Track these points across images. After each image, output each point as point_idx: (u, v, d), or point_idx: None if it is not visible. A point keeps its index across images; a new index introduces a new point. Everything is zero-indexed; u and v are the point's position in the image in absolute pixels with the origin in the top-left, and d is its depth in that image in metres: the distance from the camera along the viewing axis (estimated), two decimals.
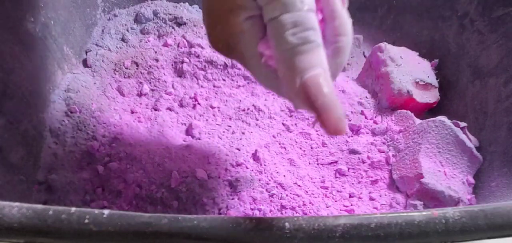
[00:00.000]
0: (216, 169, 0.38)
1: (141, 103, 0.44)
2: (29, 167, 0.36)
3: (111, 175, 0.37)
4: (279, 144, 0.42)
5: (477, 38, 0.46)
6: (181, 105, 0.44)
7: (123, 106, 0.43)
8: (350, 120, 0.44)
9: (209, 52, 0.47)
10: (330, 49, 0.24)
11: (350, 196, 0.38)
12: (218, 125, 0.43)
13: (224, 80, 0.46)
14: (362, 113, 0.44)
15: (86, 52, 0.48)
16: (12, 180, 0.34)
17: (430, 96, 0.45)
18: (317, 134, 0.43)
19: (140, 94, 0.45)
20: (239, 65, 0.47)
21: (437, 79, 0.46)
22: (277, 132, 0.43)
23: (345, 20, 0.25)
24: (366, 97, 0.46)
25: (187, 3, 0.54)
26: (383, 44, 0.46)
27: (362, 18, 0.57)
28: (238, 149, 0.40)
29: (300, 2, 0.22)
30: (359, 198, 0.38)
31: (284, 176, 0.38)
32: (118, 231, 0.20)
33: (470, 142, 0.40)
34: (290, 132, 0.43)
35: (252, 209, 0.36)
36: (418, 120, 0.42)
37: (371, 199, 0.38)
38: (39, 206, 0.21)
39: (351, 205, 0.38)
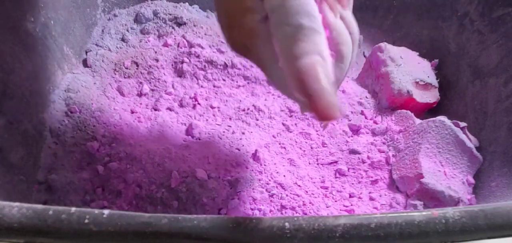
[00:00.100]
0: (216, 169, 0.38)
1: (141, 103, 0.44)
2: (29, 167, 0.36)
3: (111, 175, 0.37)
4: (279, 144, 0.42)
5: (477, 38, 0.46)
6: (181, 105, 0.44)
7: (123, 106, 0.43)
8: (350, 121, 0.44)
9: (209, 52, 0.47)
10: (332, 56, 0.24)
11: (350, 196, 0.38)
12: (218, 124, 0.43)
13: (224, 80, 0.46)
14: (362, 113, 0.45)
15: (86, 52, 0.48)
16: (12, 180, 0.34)
17: (430, 96, 0.45)
18: (317, 134, 0.43)
19: (140, 94, 0.45)
20: (239, 65, 0.47)
21: (437, 79, 0.46)
22: (277, 132, 0.43)
23: (341, 31, 0.24)
24: (366, 97, 0.46)
25: (187, 3, 0.54)
26: (383, 44, 0.46)
27: (362, 18, 0.57)
28: (238, 149, 0.40)
29: None
30: (359, 198, 0.38)
31: (284, 176, 0.38)
32: (118, 231, 0.20)
33: (470, 142, 0.40)
34: (290, 132, 0.43)
35: (252, 209, 0.36)
36: (418, 120, 0.42)
37: (371, 199, 0.38)
38: (39, 206, 0.21)
39: (351, 205, 0.38)
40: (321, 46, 0.22)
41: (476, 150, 0.39)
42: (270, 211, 0.36)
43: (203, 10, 0.55)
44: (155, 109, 0.44)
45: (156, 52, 0.47)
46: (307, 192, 0.38)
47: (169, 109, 0.44)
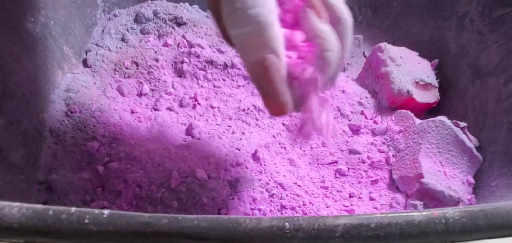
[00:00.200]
0: (216, 169, 0.38)
1: (141, 103, 0.44)
2: (29, 167, 0.36)
3: (111, 175, 0.37)
4: (279, 144, 0.42)
5: (477, 38, 0.46)
6: (181, 105, 0.44)
7: (123, 106, 0.43)
8: (350, 121, 0.44)
9: (209, 52, 0.47)
10: (318, 64, 0.24)
11: (350, 196, 0.38)
12: (218, 124, 0.43)
13: (224, 80, 0.46)
14: (362, 113, 0.45)
15: (86, 52, 0.48)
16: (12, 180, 0.34)
17: (430, 96, 0.45)
18: (317, 134, 0.43)
19: (140, 94, 0.45)
20: (239, 65, 0.47)
21: (437, 79, 0.46)
22: (277, 132, 0.43)
23: (327, 37, 0.24)
24: (366, 97, 0.46)
25: (187, 3, 0.54)
26: (383, 44, 0.46)
27: (362, 18, 0.57)
28: (238, 149, 0.40)
29: None
30: (359, 198, 0.38)
31: (284, 176, 0.38)
32: (118, 231, 0.20)
33: (470, 142, 0.40)
34: (290, 132, 0.43)
35: (252, 209, 0.36)
36: (418, 120, 0.42)
37: (371, 199, 0.38)
38: (39, 206, 0.21)
39: (351, 205, 0.38)
40: (274, 41, 0.22)
41: (476, 150, 0.39)
42: (270, 211, 0.36)
43: (203, 10, 0.55)
44: (155, 109, 0.44)
45: (156, 52, 0.47)
46: (307, 192, 0.38)
47: (169, 109, 0.44)
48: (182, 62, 0.46)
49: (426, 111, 0.46)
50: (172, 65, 0.47)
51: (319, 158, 0.41)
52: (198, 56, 0.47)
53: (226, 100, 0.45)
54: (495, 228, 0.21)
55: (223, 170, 0.38)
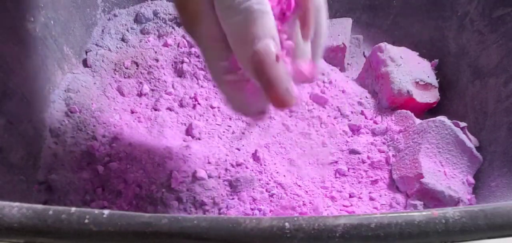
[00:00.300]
0: (216, 169, 0.38)
1: (141, 103, 0.44)
2: (29, 167, 0.36)
3: (111, 175, 0.37)
4: (279, 144, 0.42)
5: (477, 38, 0.45)
6: (181, 105, 0.44)
7: (123, 106, 0.43)
8: (350, 121, 0.44)
9: None
10: (304, 27, 0.24)
11: (350, 196, 0.38)
12: (218, 124, 0.43)
13: None
14: (362, 113, 0.44)
15: (86, 52, 0.48)
16: (12, 180, 0.34)
17: (430, 96, 0.45)
18: (317, 134, 0.43)
19: (140, 94, 0.45)
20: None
21: (437, 79, 0.46)
22: (277, 132, 0.43)
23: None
24: (366, 97, 0.46)
25: None
26: (383, 44, 0.46)
27: (362, 18, 0.57)
28: (238, 149, 0.40)
29: None
30: (359, 198, 0.38)
31: (284, 176, 0.38)
32: (118, 231, 0.20)
33: (470, 142, 0.40)
34: (290, 132, 0.43)
35: (252, 209, 0.36)
36: (418, 120, 0.42)
37: (371, 199, 0.38)
38: (39, 206, 0.21)
39: (351, 205, 0.38)
40: (272, 28, 0.22)
41: (476, 150, 0.39)
42: (270, 211, 0.36)
43: None
44: (155, 109, 0.44)
45: (156, 52, 0.47)
46: (307, 192, 0.38)
47: (169, 109, 0.44)
48: (182, 62, 0.46)
49: (426, 111, 0.46)
50: (172, 65, 0.47)
51: (319, 158, 0.41)
52: (198, 56, 0.47)
53: None
54: (495, 228, 0.21)
55: (223, 170, 0.38)
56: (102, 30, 0.51)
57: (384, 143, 0.42)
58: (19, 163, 0.35)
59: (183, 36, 0.49)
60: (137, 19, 0.51)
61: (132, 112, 0.43)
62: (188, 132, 0.42)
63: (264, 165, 0.38)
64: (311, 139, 0.42)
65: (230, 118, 0.43)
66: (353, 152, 0.41)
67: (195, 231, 0.21)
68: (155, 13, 0.51)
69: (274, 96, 0.21)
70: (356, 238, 0.21)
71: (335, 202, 0.38)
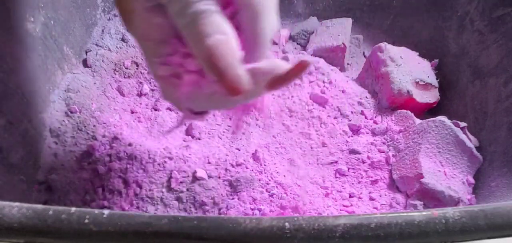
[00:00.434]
0: (216, 169, 0.38)
1: (141, 103, 0.44)
2: (29, 167, 0.36)
3: (111, 175, 0.37)
4: (279, 144, 0.42)
5: (477, 38, 0.46)
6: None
7: (123, 106, 0.43)
8: (350, 121, 0.44)
9: None
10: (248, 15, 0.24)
11: (350, 196, 0.38)
12: (218, 124, 0.43)
13: None
14: (362, 113, 0.44)
15: (86, 52, 0.48)
16: (12, 180, 0.34)
17: (430, 96, 0.45)
18: (317, 134, 0.43)
19: (140, 94, 0.45)
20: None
21: (437, 79, 0.46)
22: (277, 132, 0.43)
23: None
24: (366, 97, 0.46)
25: None
26: (383, 44, 0.46)
27: (362, 18, 0.57)
28: (238, 149, 0.40)
29: None
30: (359, 198, 0.38)
31: (284, 176, 0.38)
32: (118, 231, 0.20)
33: (470, 142, 0.40)
34: (290, 132, 0.43)
35: (252, 209, 0.36)
36: (418, 120, 0.42)
37: (371, 199, 0.38)
38: (39, 206, 0.21)
39: (351, 205, 0.38)
40: (221, 24, 0.23)
41: (476, 150, 0.39)
42: (270, 211, 0.36)
43: None
44: (155, 109, 0.44)
45: None
46: (307, 192, 0.38)
47: (169, 109, 0.44)
48: None
49: (426, 111, 0.46)
50: None
51: (319, 158, 0.41)
52: None
53: None
54: (495, 228, 0.21)
55: (223, 170, 0.38)
56: (102, 30, 0.51)
57: (384, 143, 0.42)
58: (19, 163, 0.35)
59: None
60: None
61: (132, 112, 0.43)
62: (188, 132, 0.42)
63: (264, 165, 0.38)
64: (311, 139, 0.42)
65: (230, 119, 0.43)
66: (353, 152, 0.41)
67: (195, 231, 0.21)
68: None
69: (226, 84, 0.23)
70: (356, 238, 0.21)
71: (335, 202, 0.38)
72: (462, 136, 0.39)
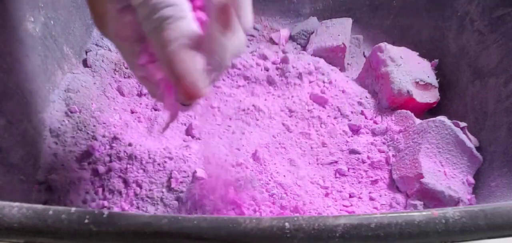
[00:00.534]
0: (216, 169, 0.38)
1: (141, 103, 0.44)
2: (29, 167, 0.36)
3: (111, 175, 0.37)
4: (279, 144, 0.42)
5: (477, 38, 0.46)
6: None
7: (123, 106, 0.43)
8: (350, 121, 0.44)
9: None
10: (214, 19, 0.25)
11: (350, 196, 0.38)
12: (218, 125, 0.43)
13: (224, 80, 0.46)
14: (362, 113, 0.44)
15: (86, 52, 0.48)
16: (12, 180, 0.34)
17: (430, 96, 0.45)
18: (317, 134, 0.43)
19: (140, 94, 0.45)
20: (239, 65, 0.47)
21: (437, 79, 0.46)
22: (277, 132, 0.43)
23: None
24: (366, 97, 0.46)
25: None
26: (383, 44, 0.46)
27: (362, 18, 0.57)
28: (238, 149, 0.40)
29: None
30: (359, 198, 0.38)
31: (284, 176, 0.38)
32: (118, 231, 0.20)
33: (470, 142, 0.40)
34: (290, 132, 0.43)
35: (252, 209, 0.36)
36: (418, 120, 0.42)
37: (371, 199, 0.38)
38: (39, 206, 0.21)
39: (351, 205, 0.38)
40: (186, 30, 0.23)
41: (476, 150, 0.39)
42: (270, 211, 0.36)
43: None
44: (155, 110, 0.44)
45: None
46: (307, 192, 0.38)
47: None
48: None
49: (426, 111, 0.46)
50: None
51: (319, 158, 0.41)
52: None
53: (226, 100, 0.45)
54: (495, 228, 0.21)
55: (223, 170, 0.38)
56: None
57: (384, 143, 0.42)
58: (19, 163, 0.35)
59: None
60: None
61: (132, 112, 0.43)
62: (188, 132, 0.42)
63: (264, 165, 0.38)
64: (311, 139, 0.42)
65: (230, 119, 0.43)
66: (353, 152, 0.41)
67: (195, 231, 0.21)
68: None
69: (181, 90, 0.24)
70: (356, 238, 0.21)
71: (335, 202, 0.38)
72: (462, 136, 0.39)
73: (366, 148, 0.41)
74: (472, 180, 0.39)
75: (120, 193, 0.36)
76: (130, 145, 0.39)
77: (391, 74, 0.44)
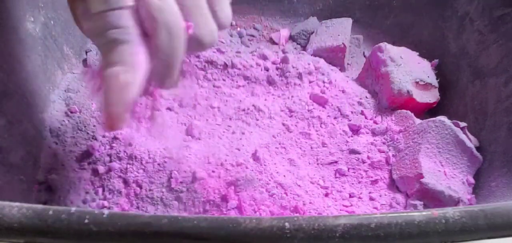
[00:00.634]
0: (216, 169, 0.38)
1: (141, 104, 0.44)
2: (29, 167, 0.36)
3: (111, 175, 0.37)
4: (279, 144, 0.42)
5: (477, 38, 0.45)
6: (181, 105, 0.44)
7: None
8: (350, 121, 0.44)
9: (209, 52, 0.47)
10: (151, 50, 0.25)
11: (350, 196, 0.38)
12: (218, 125, 0.43)
13: (224, 80, 0.46)
14: (362, 113, 0.44)
15: (86, 52, 0.48)
16: (12, 180, 0.34)
17: (430, 96, 0.45)
18: (317, 134, 0.43)
19: (140, 95, 0.45)
20: (239, 65, 0.47)
21: (437, 79, 0.46)
22: (277, 132, 0.43)
23: (157, 14, 0.25)
24: (366, 97, 0.46)
25: None
26: (383, 44, 0.46)
27: (362, 18, 0.57)
28: (238, 149, 0.40)
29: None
30: (359, 198, 0.38)
31: (284, 176, 0.38)
32: (118, 231, 0.20)
33: (470, 142, 0.40)
34: (290, 132, 0.43)
35: (252, 209, 0.36)
36: (418, 120, 0.42)
37: (371, 199, 0.38)
38: (39, 206, 0.21)
39: (351, 205, 0.38)
40: (126, 56, 0.24)
41: (476, 150, 0.39)
42: (270, 211, 0.36)
43: None
44: (155, 110, 0.44)
45: None
46: (307, 192, 0.38)
47: (169, 109, 0.44)
48: (182, 62, 0.46)
49: (426, 111, 0.46)
50: None
51: (319, 158, 0.41)
52: (198, 56, 0.47)
53: (226, 100, 0.45)
54: (495, 228, 0.21)
55: (223, 170, 0.38)
56: None
57: (384, 143, 0.42)
58: (19, 163, 0.35)
59: None
60: None
61: (132, 112, 0.43)
62: (188, 132, 0.42)
63: (264, 165, 0.38)
64: (311, 139, 0.42)
65: (230, 119, 0.43)
66: (353, 152, 0.41)
67: (195, 231, 0.21)
68: None
69: (103, 116, 0.24)
70: (356, 238, 0.21)
71: (335, 202, 0.38)
72: (462, 136, 0.39)
73: (366, 148, 0.41)
74: (472, 180, 0.39)
75: (120, 193, 0.36)
76: (130, 145, 0.39)
77: (391, 74, 0.44)
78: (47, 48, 0.42)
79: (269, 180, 0.37)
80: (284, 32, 0.55)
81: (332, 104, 0.45)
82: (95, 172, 0.37)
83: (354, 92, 0.46)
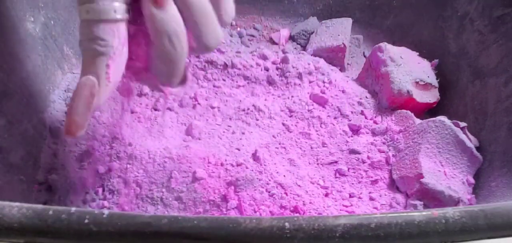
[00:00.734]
0: (216, 169, 0.38)
1: (141, 104, 0.44)
2: (29, 167, 0.36)
3: (111, 175, 0.37)
4: (279, 144, 0.42)
5: (477, 38, 0.45)
6: (181, 105, 0.44)
7: (123, 106, 0.43)
8: (350, 121, 0.44)
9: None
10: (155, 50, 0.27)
11: (350, 196, 0.38)
12: (218, 125, 0.43)
13: (224, 80, 0.46)
14: (362, 113, 0.44)
15: None
16: (12, 180, 0.34)
17: (430, 96, 0.45)
18: (317, 134, 0.43)
19: (140, 94, 0.45)
20: (239, 65, 0.47)
21: (437, 79, 0.46)
22: (277, 132, 0.43)
23: (159, 25, 0.26)
24: (366, 97, 0.46)
25: None
26: (383, 44, 0.46)
27: (362, 18, 0.57)
28: (238, 149, 0.40)
29: (109, 9, 0.25)
30: (359, 198, 0.38)
31: (284, 176, 0.38)
32: (118, 231, 0.20)
33: (470, 142, 0.40)
34: (290, 132, 0.43)
35: (252, 209, 0.36)
36: (418, 120, 0.42)
37: (371, 199, 0.38)
38: (39, 206, 0.21)
39: (351, 205, 0.38)
40: (99, 69, 0.25)
41: (476, 150, 0.39)
42: (270, 211, 0.36)
43: None
44: (155, 109, 0.44)
45: None
46: (307, 192, 0.38)
47: (169, 109, 0.44)
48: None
49: (426, 111, 0.46)
50: None
51: (319, 158, 0.41)
52: (198, 56, 0.47)
53: (226, 100, 0.45)
54: (495, 228, 0.21)
55: (223, 170, 0.38)
56: None
57: (384, 143, 0.42)
58: (19, 163, 0.35)
59: None
60: None
61: (132, 112, 0.43)
62: (188, 132, 0.42)
63: (264, 165, 0.38)
64: (311, 139, 0.42)
65: (230, 119, 0.43)
66: (353, 152, 0.41)
67: (195, 231, 0.21)
68: None
69: (66, 120, 0.25)
70: (356, 238, 0.21)
71: (335, 202, 0.38)
72: (462, 136, 0.39)
73: (366, 148, 0.41)
74: (472, 180, 0.39)
75: (120, 193, 0.36)
76: (130, 145, 0.39)
77: (391, 74, 0.44)
78: (47, 48, 0.42)
79: (269, 180, 0.37)
80: (284, 32, 0.55)
81: (332, 104, 0.45)
82: (95, 172, 0.37)
83: (354, 92, 0.46)
